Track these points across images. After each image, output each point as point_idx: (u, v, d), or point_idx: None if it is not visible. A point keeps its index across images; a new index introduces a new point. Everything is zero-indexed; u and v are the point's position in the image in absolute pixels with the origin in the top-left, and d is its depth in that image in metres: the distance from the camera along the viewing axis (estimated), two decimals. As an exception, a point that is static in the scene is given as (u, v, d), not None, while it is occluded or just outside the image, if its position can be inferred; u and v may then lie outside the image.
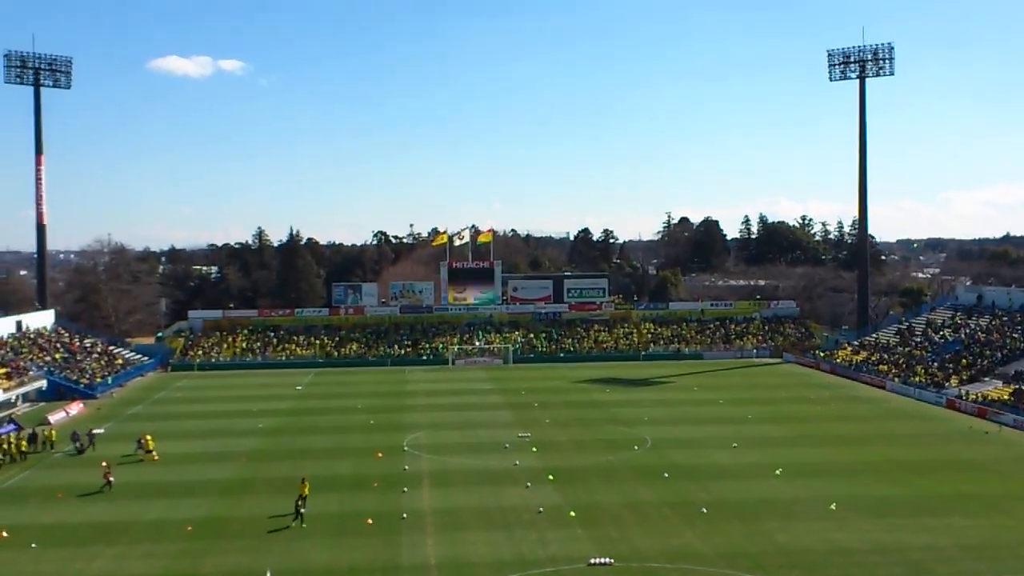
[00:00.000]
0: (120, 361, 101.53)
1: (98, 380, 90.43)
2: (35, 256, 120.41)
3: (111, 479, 50.92)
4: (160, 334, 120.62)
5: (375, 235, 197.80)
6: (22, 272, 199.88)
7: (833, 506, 45.23)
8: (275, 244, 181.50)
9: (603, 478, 52.32)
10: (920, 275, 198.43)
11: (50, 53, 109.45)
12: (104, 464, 52.95)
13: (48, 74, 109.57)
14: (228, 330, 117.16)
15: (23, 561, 38.63)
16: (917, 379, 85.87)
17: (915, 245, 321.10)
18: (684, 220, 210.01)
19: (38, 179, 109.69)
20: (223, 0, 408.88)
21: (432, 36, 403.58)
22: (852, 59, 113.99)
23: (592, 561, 37.47)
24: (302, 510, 43.17)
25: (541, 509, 45.24)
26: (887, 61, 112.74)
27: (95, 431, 63.63)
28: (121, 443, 61.81)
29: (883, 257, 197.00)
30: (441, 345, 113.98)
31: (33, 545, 40.48)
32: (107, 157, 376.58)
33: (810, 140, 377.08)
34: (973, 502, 46.59)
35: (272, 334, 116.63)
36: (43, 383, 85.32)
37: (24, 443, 59.75)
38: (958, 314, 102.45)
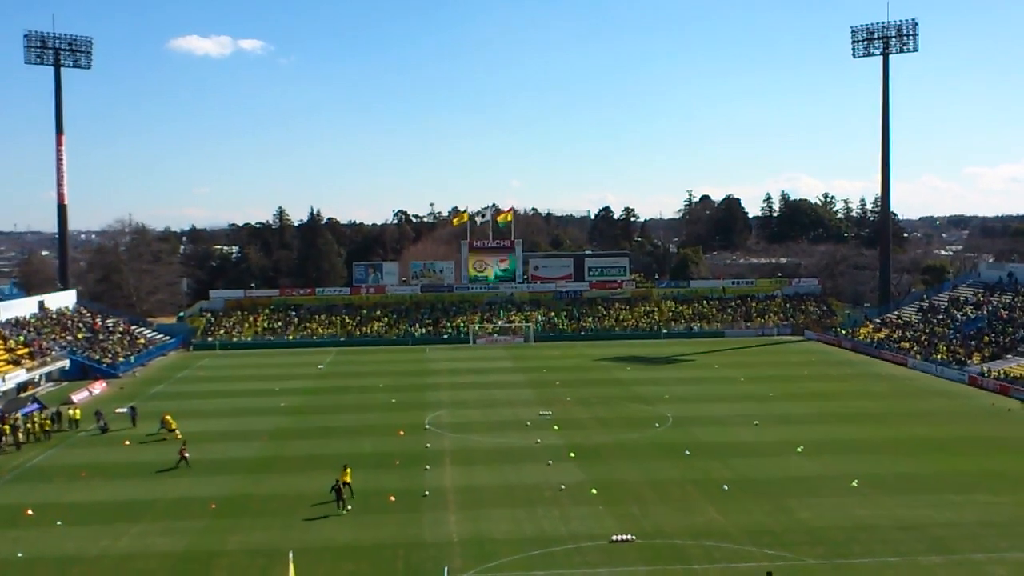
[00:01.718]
0: (142, 341, 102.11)
1: (120, 360, 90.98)
2: (57, 236, 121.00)
3: (187, 455, 51.37)
4: (182, 314, 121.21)
5: (396, 214, 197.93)
6: (44, 252, 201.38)
7: (855, 483, 45.08)
8: (296, 224, 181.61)
9: (625, 455, 52.30)
10: (943, 252, 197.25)
11: (70, 33, 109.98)
12: (183, 441, 53.65)
13: (68, 54, 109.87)
14: (249, 309, 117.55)
15: (49, 539, 38.94)
16: (939, 356, 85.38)
17: (938, 222, 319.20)
18: (705, 198, 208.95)
19: (59, 160, 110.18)
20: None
21: (452, 15, 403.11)
22: (876, 35, 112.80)
23: (614, 538, 37.47)
24: (344, 496, 42.32)
25: (563, 486, 45.25)
26: (911, 37, 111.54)
27: (127, 408, 64.92)
28: (145, 421, 62.26)
29: (905, 234, 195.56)
30: (462, 324, 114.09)
31: (59, 523, 40.84)
32: (128, 137, 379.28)
33: (833, 117, 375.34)
34: (997, 479, 46.30)
35: (293, 313, 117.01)
36: (66, 363, 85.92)
37: (48, 422, 60.26)
38: (981, 291, 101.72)
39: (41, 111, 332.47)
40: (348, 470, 44.22)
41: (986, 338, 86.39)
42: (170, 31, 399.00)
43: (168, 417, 60.01)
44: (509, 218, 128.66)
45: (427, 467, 49.84)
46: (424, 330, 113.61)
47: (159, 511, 42.50)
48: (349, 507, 41.73)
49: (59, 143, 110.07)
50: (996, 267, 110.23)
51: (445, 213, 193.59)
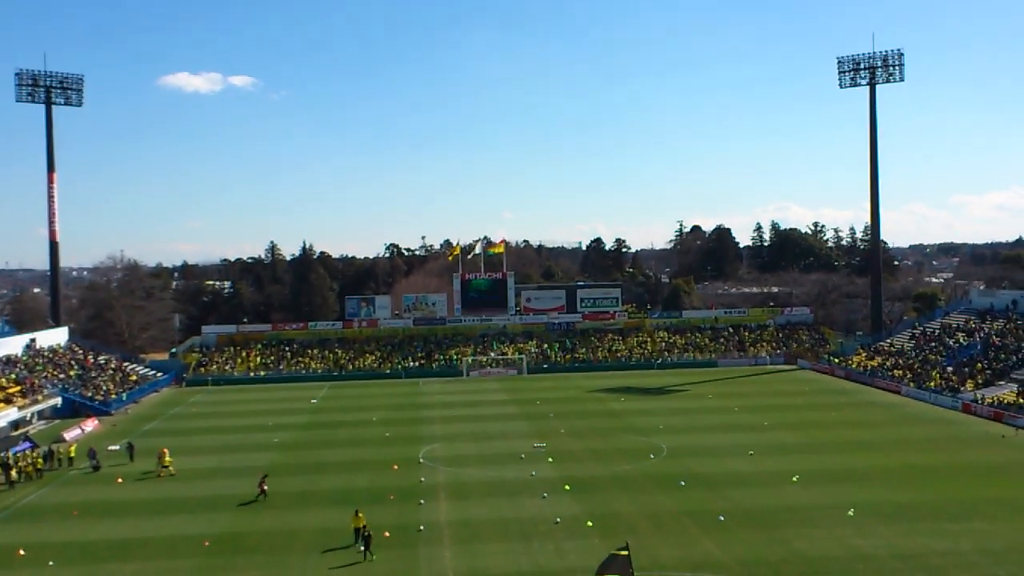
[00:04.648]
0: (134, 377, 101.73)
1: (113, 397, 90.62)
2: (48, 274, 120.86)
3: (265, 488, 51.29)
4: (174, 350, 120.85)
5: (387, 248, 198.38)
6: (36, 290, 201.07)
7: (851, 512, 44.98)
8: (288, 258, 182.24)
9: (620, 487, 52.15)
10: (934, 280, 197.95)
11: (61, 71, 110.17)
12: (262, 475, 53.19)
13: (59, 92, 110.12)
14: (242, 345, 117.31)
15: (41, 578, 38.62)
16: (932, 384, 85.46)
17: (928, 250, 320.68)
18: (696, 228, 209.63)
19: (50, 197, 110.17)
20: (233, 16, 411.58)
21: (441, 49, 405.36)
22: (862, 66, 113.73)
23: (610, 571, 37.22)
24: (370, 542, 40.20)
25: (558, 519, 45.05)
26: (897, 67, 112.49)
27: (124, 445, 65.59)
28: (141, 458, 62.01)
29: (896, 262, 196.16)
30: (455, 356, 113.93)
31: (51, 563, 40.47)
32: (119, 174, 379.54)
33: (821, 147, 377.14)
34: (993, 506, 46.28)
35: (286, 348, 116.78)
36: (58, 400, 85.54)
37: (40, 461, 59.92)
38: (973, 318, 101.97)
39: (32, 148, 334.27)
40: (361, 515, 42.61)
41: (979, 365, 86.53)
42: (160, 68, 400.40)
43: (165, 451, 59.80)
44: (500, 249, 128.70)
45: (422, 501, 49.61)
46: (417, 363, 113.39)
47: (153, 550, 42.19)
48: (366, 556, 40.03)
49: (51, 180, 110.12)
50: (988, 294, 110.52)
51: (437, 246, 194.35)
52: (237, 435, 72.91)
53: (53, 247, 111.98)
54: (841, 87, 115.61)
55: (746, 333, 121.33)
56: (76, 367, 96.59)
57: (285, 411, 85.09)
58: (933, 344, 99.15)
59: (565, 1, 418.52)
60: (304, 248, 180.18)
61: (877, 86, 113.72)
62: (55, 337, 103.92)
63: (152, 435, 73.82)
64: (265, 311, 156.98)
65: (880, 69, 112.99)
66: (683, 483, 52.36)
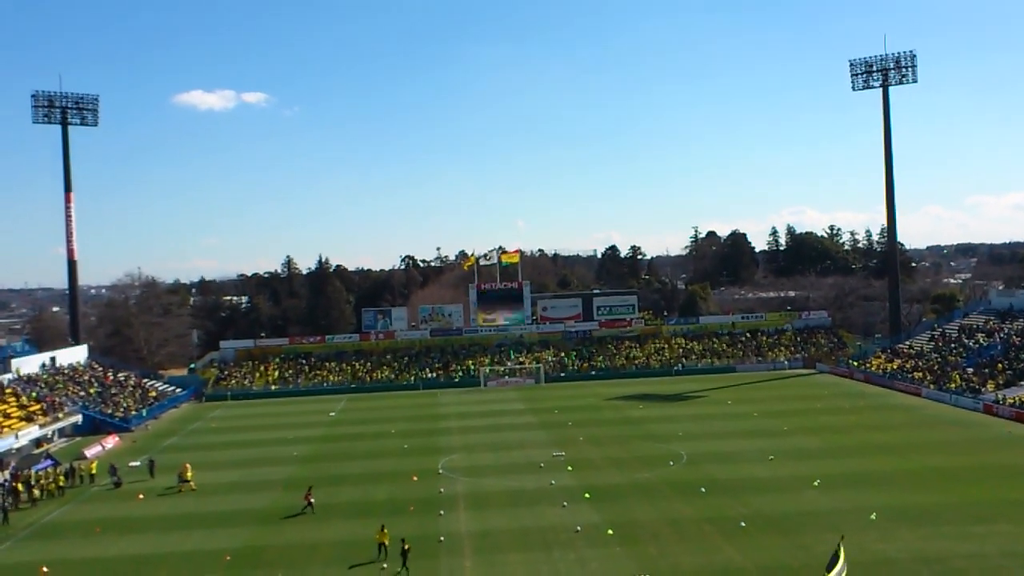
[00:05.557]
0: (153, 393, 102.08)
1: (132, 413, 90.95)
2: (67, 292, 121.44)
3: (311, 500, 51.35)
4: (192, 365, 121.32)
5: (403, 259, 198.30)
6: (54, 308, 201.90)
7: (874, 516, 44.66)
8: (304, 272, 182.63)
9: (640, 495, 51.97)
10: (952, 281, 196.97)
11: (76, 92, 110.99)
12: (308, 487, 53.46)
13: (75, 113, 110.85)
14: (260, 359, 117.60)
15: (64, 595, 38.72)
16: (953, 385, 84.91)
17: (945, 251, 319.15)
18: (711, 234, 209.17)
19: (68, 216, 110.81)
20: (245, 34, 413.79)
21: (454, 61, 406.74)
22: (875, 68, 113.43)
23: (632, 579, 37.15)
24: (407, 557, 39.95)
25: (579, 528, 44.94)
26: (910, 69, 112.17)
27: (144, 461, 65.98)
28: (162, 474, 62.20)
29: (913, 264, 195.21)
30: (472, 366, 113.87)
31: (74, 579, 40.63)
32: (135, 192, 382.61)
33: (835, 150, 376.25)
34: (1017, 508, 45.87)
35: (304, 361, 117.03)
36: (78, 418, 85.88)
37: (62, 478, 60.20)
38: (992, 319, 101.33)
39: (49, 169, 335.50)
40: (385, 530, 42.32)
41: (1000, 365, 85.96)
42: (174, 86, 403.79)
43: (187, 466, 60.05)
44: (516, 258, 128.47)
45: (441, 512, 49.59)
46: (434, 374, 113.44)
47: (174, 565, 42.29)
48: (385, 566, 40.32)
49: (68, 200, 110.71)
50: (1007, 294, 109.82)
51: (452, 257, 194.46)
52: (256, 449, 73.02)
53: (71, 266, 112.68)
54: (854, 90, 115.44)
55: (764, 338, 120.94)
56: (96, 384, 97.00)
57: (304, 424, 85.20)
58: (953, 345, 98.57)
59: (577, 11, 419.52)
60: (320, 262, 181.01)
61: (890, 88, 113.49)
62: (75, 355, 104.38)
63: (172, 451, 74.11)
64: (282, 325, 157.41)
65: (893, 71, 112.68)
66: (703, 489, 52.14)
